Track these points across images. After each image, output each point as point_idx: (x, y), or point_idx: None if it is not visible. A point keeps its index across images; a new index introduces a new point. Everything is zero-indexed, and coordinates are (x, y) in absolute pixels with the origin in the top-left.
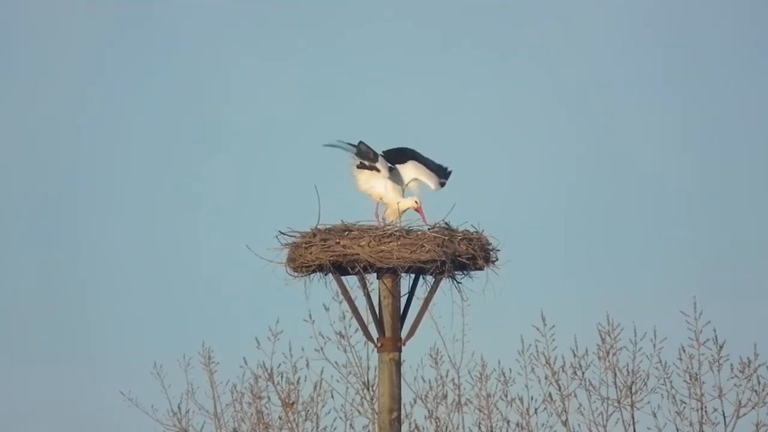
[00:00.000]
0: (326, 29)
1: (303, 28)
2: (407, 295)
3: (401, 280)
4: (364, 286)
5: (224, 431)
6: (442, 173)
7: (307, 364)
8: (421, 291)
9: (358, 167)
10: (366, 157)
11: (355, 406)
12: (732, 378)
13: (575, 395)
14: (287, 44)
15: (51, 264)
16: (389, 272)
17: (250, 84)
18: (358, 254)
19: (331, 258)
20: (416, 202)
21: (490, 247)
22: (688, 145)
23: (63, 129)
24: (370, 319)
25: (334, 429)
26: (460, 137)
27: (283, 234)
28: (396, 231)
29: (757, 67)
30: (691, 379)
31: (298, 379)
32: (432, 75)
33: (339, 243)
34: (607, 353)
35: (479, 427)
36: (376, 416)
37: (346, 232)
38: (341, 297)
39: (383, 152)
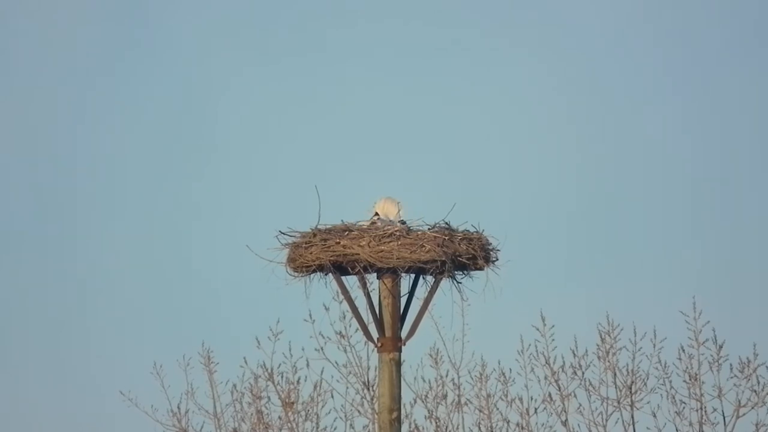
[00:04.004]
0: (326, 30)
1: (302, 29)
2: (407, 295)
3: (401, 280)
4: (364, 286)
5: (224, 431)
6: None
7: (307, 364)
8: (421, 291)
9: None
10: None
11: (355, 406)
12: (731, 378)
13: (575, 395)
14: (287, 45)
15: (51, 264)
16: (389, 272)
17: (250, 85)
18: (358, 254)
19: (331, 258)
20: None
21: (490, 247)
22: (688, 145)
23: (63, 129)
24: (370, 319)
25: (334, 429)
26: (460, 137)
27: (283, 234)
28: (396, 231)
29: (757, 67)
30: (690, 379)
31: (298, 379)
32: (431, 75)
33: (339, 243)
34: (607, 353)
35: (479, 427)
36: (376, 416)
37: (346, 232)
38: (341, 297)
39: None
